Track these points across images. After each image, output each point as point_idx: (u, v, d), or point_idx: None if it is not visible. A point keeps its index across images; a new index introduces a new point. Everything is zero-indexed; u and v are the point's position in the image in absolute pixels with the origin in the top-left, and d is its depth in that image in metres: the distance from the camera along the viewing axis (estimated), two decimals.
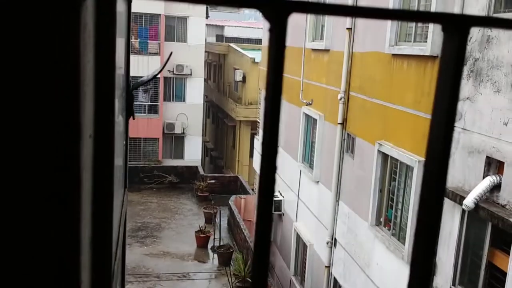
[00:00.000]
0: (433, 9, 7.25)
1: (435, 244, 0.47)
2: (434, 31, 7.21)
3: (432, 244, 0.47)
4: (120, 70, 1.82)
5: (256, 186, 18.25)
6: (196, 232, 17.46)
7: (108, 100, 0.92)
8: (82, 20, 0.55)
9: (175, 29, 25.41)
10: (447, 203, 6.78)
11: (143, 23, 24.74)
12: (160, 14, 24.59)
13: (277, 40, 0.40)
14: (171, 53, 3.98)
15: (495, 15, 6.13)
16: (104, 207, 0.95)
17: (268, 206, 0.41)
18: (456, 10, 6.69)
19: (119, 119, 1.80)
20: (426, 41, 7.54)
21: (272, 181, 0.41)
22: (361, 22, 9.82)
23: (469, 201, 6.02)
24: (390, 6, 8.44)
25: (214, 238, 17.15)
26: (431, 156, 0.47)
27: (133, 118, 2.16)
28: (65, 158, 0.58)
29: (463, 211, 6.43)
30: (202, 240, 17.19)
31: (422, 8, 7.88)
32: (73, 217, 0.62)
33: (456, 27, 0.43)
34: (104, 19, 0.84)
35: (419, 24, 7.99)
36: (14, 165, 0.57)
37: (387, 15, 0.41)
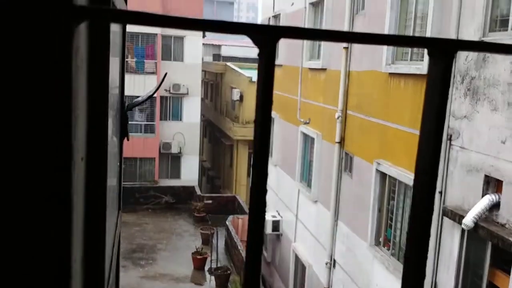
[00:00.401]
0: (429, 28, 7.31)
1: (426, 259, 0.48)
2: None
3: (423, 259, 0.48)
4: (114, 91, 1.80)
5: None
6: (192, 253, 17.28)
7: (101, 123, 0.94)
8: (75, 45, 0.56)
9: (172, 49, 25.59)
10: (446, 222, 6.73)
11: (140, 43, 24.91)
12: (156, 34, 24.78)
13: (266, 65, 0.41)
14: (165, 74, 4.00)
15: (491, 34, 6.17)
16: (97, 231, 0.95)
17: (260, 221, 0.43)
18: (452, 29, 6.74)
19: (113, 140, 1.78)
20: (422, 60, 7.58)
21: (263, 201, 0.43)
22: None
23: (468, 220, 5.98)
24: (386, 26, 8.51)
25: (211, 260, 16.96)
26: (419, 181, 0.48)
27: (127, 139, 2.14)
28: (55, 182, 0.58)
29: (463, 230, 6.37)
30: (199, 262, 17.00)
31: (418, 28, 7.95)
32: (64, 242, 0.62)
33: (442, 52, 0.42)
34: (97, 44, 0.87)
35: None
36: (3, 188, 0.57)
37: (376, 40, 0.40)
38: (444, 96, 0.43)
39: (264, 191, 0.44)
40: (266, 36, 0.40)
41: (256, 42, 0.40)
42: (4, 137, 0.55)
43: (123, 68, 2.19)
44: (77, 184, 0.70)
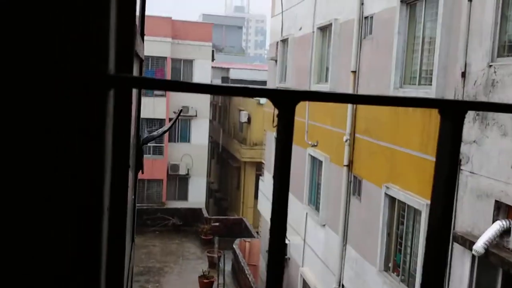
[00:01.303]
0: (437, 53, 7.33)
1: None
2: (439, 75, 7.26)
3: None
4: (132, 129, 1.86)
5: (262, 229, 18.05)
6: (199, 277, 17.13)
7: (122, 175, 1.01)
8: (108, 108, 0.62)
9: (181, 72, 25.84)
10: (457, 248, 6.63)
11: (150, 66, 25.20)
12: (166, 57, 25.08)
13: (286, 126, 0.45)
14: (180, 110, 4.11)
15: (499, 59, 6.17)
16: (116, 275, 0.98)
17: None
18: (460, 54, 6.75)
19: (129, 174, 1.82)
20: (431, 84, 7.58)
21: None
22: (365, 65, 9.94)
23: (478, 246, 5.89)
24: (394, 50, 8.55)
25: (218, 284, 16.79)
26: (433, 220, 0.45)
27: (142, 173, 2.18)
28: (87, 233, 0.62)
29: (473, 256, 6.27)
30: (205, 286, 16.84)
31: (426, 53, 7.98)
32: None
33: (453, 113, 0.43)
34: (121, 105, 0.96)
35: (424, 67, 8.07)
36: (44, 236, 0.60)
37: (387, 102, 0.40)
38: (455, 155, 0.43)
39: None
40: (286, 100, 0.42)
41: (277, 105, 0.42)
42: (43, 191, 0.59)
43: (140, 105, 2.25)
44: (104, 233, 0.74)
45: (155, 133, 2.86)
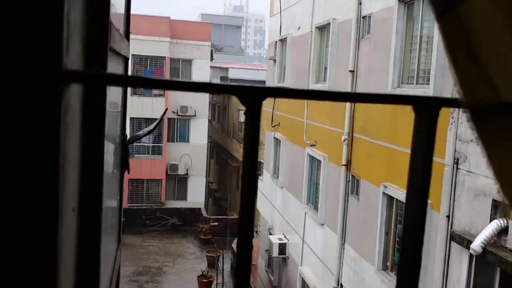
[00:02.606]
0: (434, 52, 7.34)
1: (419, 274, 0.48)
2: (437, 74, 7.28)
3: (417, 274, 0.48)
4: (115, 126, 1.84)
5: (260, 229, 18.04)
6: (198, 276, 17.14)
7: (95, 174, 0.96)
8: (64, 104, 0.58)
9: (180, 71, 25.83)
10: (454, 247, 6.65)
11: (148, 66, 25.19)
12: (165, 57, 25.07)
13: (252, 122, 0.44)
14: (166, 109, 4.16)
15: None
16: (91, 281, 0.95)
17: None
18: None
19: (114, 173, 1.81)
20: (428, 84, 7.59)
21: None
22: (363, 64, 9.95)
23: (476, 245, 5.90)
24: (392, 50, 8.56)
25: (217, 283, 16.81)
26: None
27: (128, 172, 2.17)
28: (41, 235, 0.59)
29: (471, 255, 6.29)
30: (204, 285, 16.85)
31: (424, 52, 7.99)
32: None
33: (427, 109, 0.44)
34: (92, 103, 0.91)
35: (422, 67, 8.08)
36: None
37: (359, 98, 0.41)
38: (430, 151, 0.44)
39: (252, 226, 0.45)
40: (253, 96, 0.42)
41: (243, 101, 0.42)
42: None
43: (125, 102, 2.22)
44: (67, 235, 0.72)
45: (140, 132, 2.87)
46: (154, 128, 3.01)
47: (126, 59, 2.04)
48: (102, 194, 1.04)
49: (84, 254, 0.92)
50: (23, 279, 0.59)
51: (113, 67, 1.50)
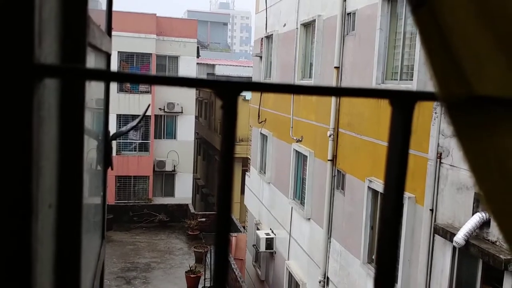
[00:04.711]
0: (417, 49, 7.45)
1: (395, 264, 0.49)
2: (420, 70, 7.38)
3: (393, 264, 0.48)
4: (99, 122, 1.84)
5: (248, 224, 18.11)
6: (186, 272, 17.14)
7: (74, 170, 0.93)
8: (37, 98, 0.57)
9: (166, 68, 25.70)
10: (438, 240, 6.77)
11: (135, 63, 25.02)
12: (151, 54, 24.92)
13: (228, 116, 0.44)
14: (148, 105, 4.13)
15: None
16: (71, 278, 0.94)
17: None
18: None
19: (97, 170, 1.82)
20: (412, 79, 7.70)
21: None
22: (348, 61, 10.03)
23: (459, 238, 6.02)
24: (376, 46, 8.66)
25: (204, 278, 16.84)
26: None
27: (111, 169, 2.16)
28: (13, 231, 0.58)
29: (454, 248, 6.41)
30: (192, 281, 16.87)
31: (407, 48, 8.09)
32: None
33: (403, 103, 0.46)
34: (69, 97, 0.88)
35: (405, 63, 8.19)
36: None
37: (337, 92, 0.44)
38: (406, 144, 0.46)
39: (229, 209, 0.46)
40: (229, 90, 0.43)
41: (219, 95, 0.43)
42: None
43: (108, 97, 2.20)
44: (43, 232, 0.71)
45: (123, 128, 2.85)
46: (137, 123, 2.99)
47: (108, 55, 2.01)
48: (82, 190, 1.01)
49: (64, 250, 0.90)
50: None
51: (93, 62, 1.48)
